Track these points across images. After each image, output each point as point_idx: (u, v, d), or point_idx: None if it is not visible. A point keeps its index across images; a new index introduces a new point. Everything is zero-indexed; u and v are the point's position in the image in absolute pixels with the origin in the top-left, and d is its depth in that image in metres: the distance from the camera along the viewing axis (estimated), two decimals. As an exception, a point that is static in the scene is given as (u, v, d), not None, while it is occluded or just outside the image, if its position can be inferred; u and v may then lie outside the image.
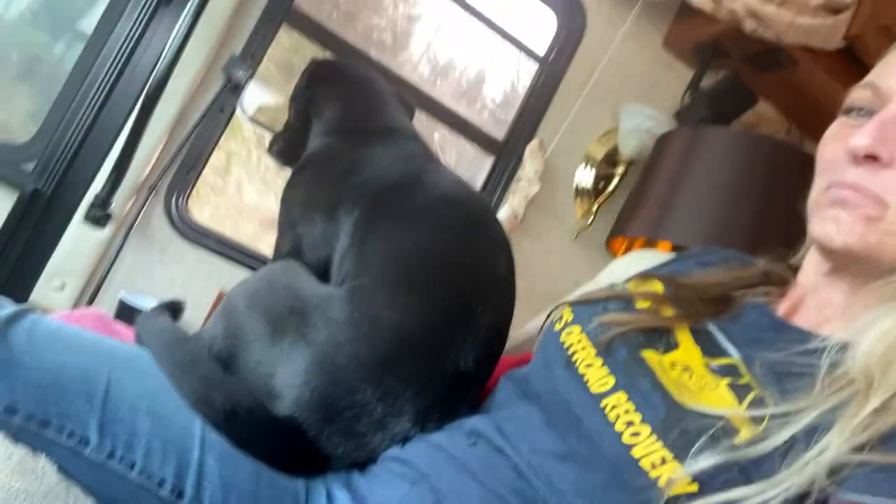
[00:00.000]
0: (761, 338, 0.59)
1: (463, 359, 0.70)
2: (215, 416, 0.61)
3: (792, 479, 0.44)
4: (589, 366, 0.60)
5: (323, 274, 0.81)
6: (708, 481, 0.47)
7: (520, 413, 0.63)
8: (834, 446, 0.45)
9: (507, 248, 0.81)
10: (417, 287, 0.71)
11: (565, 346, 0.64)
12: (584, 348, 0.62)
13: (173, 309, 0.79)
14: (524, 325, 1.23)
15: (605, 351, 0.60)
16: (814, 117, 1.90)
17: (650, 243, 1.62)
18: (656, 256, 1.28)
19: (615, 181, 1.76)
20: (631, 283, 0.71)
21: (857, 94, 0.60)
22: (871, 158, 0.55)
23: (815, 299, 0.63)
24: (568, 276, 1.80)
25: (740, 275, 0.69)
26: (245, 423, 0.62)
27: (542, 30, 1.82)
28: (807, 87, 1.75)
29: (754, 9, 1.45)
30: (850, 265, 0.59)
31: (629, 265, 1.19)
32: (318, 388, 0.64)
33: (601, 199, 1.78)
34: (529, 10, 1.80)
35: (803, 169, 1.42)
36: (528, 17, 1.81)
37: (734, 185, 1.42)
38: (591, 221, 1.78)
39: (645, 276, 0.73)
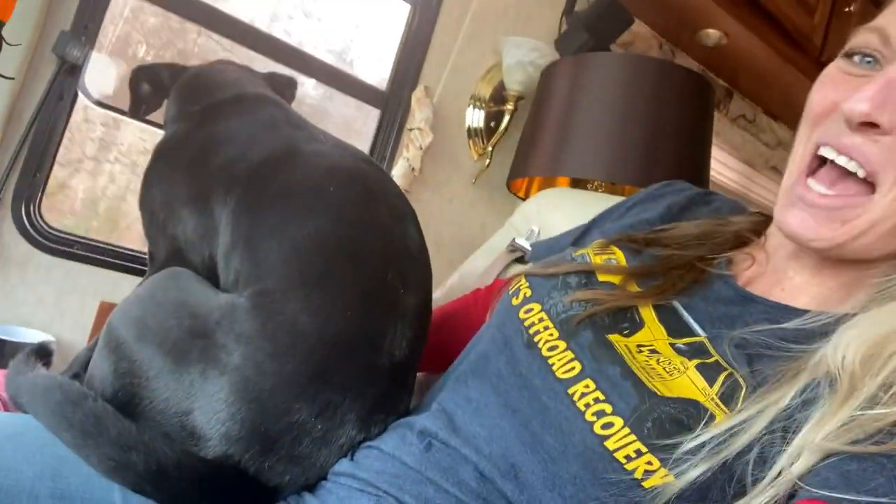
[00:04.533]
0: (728, 313, 0.57)
1: (397, 348, 0.65)
2: (138, 481, 0.52)
3: (770, 489, 0.43)
4: (553, 349, 0.56)
5: (214, 274, 0.72)
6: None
7: (472, 395, 0.59)
8: (809, 444, 0.43)
9: (411, 213, 0.75)
10: (331, 282, 0.63)
11: (525, 324, 0.60)
12: (546, 328, 0.58)
13: (42, 354, 0.67)
14: (443, 284, 1.19)
15: (569, 334, 0.57)
16: (683, 30, 1.94)
17: (550, 181, 1.61)
18: (570, 195, 1.27)
19: (506, 118, 1.72)
20: (590, 250, 0.67)
21: (863, 38, 0.54)
22: (870, 125, 0.50)
23: (778, 270, 0.60)
24: (473, 221, 1.78)
25: (715, 230, 0.65)
26: (176, 480, 0.53)
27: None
28: (674, 1, 1.78)
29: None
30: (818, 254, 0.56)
31: (540, 207, 1.17)
32: (248, 419, 0.56)
33: (495, 138, 1.74)
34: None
35: (683, 83, 1.46)
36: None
37: (623, 108, 1.42)
38: (489, 163, 1.75)
39: (606, 241, 0.68)
